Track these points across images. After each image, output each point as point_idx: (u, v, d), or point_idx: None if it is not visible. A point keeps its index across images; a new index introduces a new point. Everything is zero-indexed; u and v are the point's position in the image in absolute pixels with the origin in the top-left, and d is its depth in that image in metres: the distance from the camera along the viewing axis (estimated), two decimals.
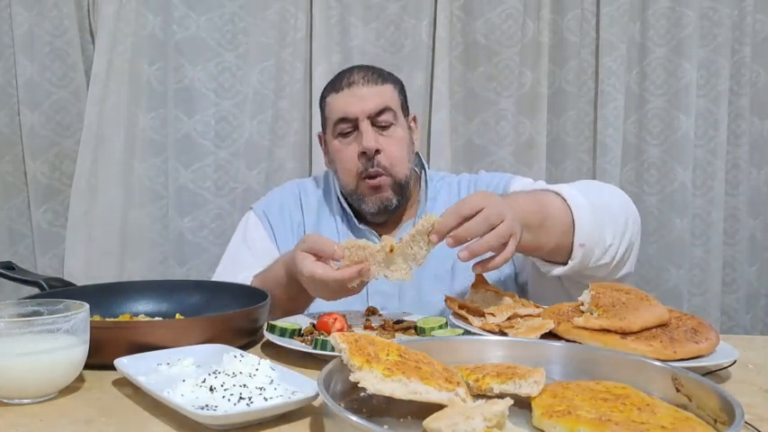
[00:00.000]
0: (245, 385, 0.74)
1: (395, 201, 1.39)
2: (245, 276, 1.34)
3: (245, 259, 1.46)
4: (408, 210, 1.47)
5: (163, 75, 2.00)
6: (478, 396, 0.74)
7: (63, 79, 1.97)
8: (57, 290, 1.11)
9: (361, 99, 1.37)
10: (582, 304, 1.03)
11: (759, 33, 2.21)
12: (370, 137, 1.35)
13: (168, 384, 0.75)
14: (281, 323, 1.04)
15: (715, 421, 0.67)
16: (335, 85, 1.42)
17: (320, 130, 1.51)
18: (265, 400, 0.72)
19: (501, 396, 0.69)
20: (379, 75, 1.42)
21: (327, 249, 1.04)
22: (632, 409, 0.67)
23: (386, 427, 0.66)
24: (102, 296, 1.10)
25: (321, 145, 1.52)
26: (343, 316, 1.08)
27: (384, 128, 1.38)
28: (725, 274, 2.25)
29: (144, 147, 2.02)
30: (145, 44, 1.99)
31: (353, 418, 0.59)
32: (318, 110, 2.02)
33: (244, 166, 2.04)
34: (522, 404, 0.72)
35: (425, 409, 0.65)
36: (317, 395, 0.72)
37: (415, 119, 1.51)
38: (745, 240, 2.27)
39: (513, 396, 0.69)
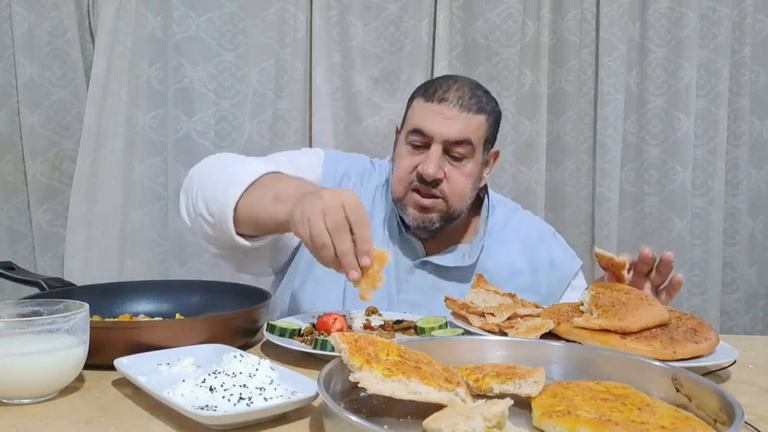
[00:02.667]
0: (244, 385, 0.74)
1: (438, 225, 1.31)
2: (265, 166, 1.18)
3: (281, 163, 1.30)
4: (462, 235, 1.40)
5: (163, 75, 2.00)
6: (478, 396, 0.74)
7: (63, 79, 1.97)
8: (56, 290, 1.11)
9: (444, 121, 1.26)
10: (582, 304, 1.03)
11: (759, 33, 2.22)
12: (434, 164, 1.25)
13: (168, 384, 0.75)
14: (281, 323, 1.04)
15: (715, 421, 0.67)
16: (429, 90, 1.31)
17: (398, 121, 1.42)
18: (265, 400, 0.72)
19: (501, 396, 0.69)
20: (477, 102, 1.29)
21: (361, 229, 0.95)
22: (632, 409, 0.67)
23: (386, 427, 0.66)
24: (102, 296, 1.10)
25: (396, 133, 1.41)
26: (343, 316, 1.08)
27: (456, 158, 1.28)
28: (725, 274, 2.25)
29: (144, 147, 2.02)
30: (145, 44, 1.99)
31: (353, 418, 0.59)
32: (318, 110, 2.05)
33: None
34: (522, 404, 0.72)
35: (425, 410, 0.65)
36: (316, 395, 0.72)
37: (497, 154, 1.40)
38: (744, 240, 2.27)
39: (513, 396, 0.69)
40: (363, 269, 0.96)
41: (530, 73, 2.10)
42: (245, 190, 1.11)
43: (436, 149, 1.27)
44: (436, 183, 1.28)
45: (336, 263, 0.97)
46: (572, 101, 2.14)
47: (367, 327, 1.09)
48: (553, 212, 2.17)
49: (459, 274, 1.34)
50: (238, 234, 1.14)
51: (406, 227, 1.35)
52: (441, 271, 1.35)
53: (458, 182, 1.29)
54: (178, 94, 2.00)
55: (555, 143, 2.17)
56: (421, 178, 1.27)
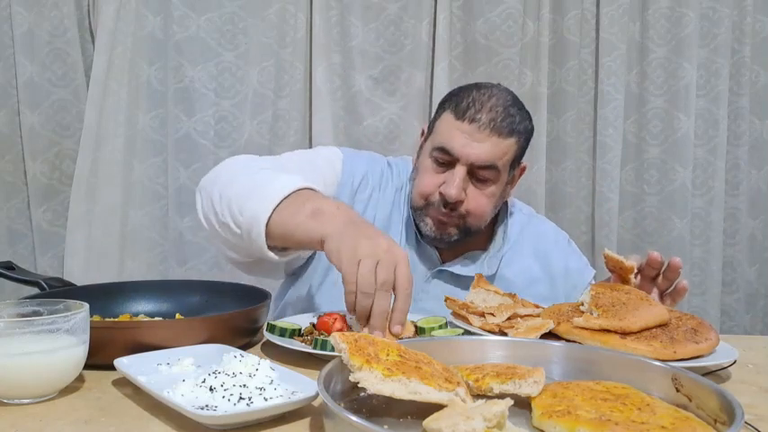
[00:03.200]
0: (244, 385, 0.74)
1: (455, 238, 1.30)
2: (290, 179, 1.11)
3: (299, 164, 1.29)
4: (478, 243, 1.37)
5: (163, 75, 2.00)
6: (478, 396, 0.74)
7: (63, 79, 1.97)
8: (57, 290, 1.11)
9: (472, 143, 1.23)
10: (582, 304, 1.03)
11: (759, 33, 2.22)
12: (456, 185, 1.23)
13: (168, 384, 0.75)
14: (281, 323, 1.04)
15: (715, 421, 0.67)
16: (460, 106, 1.25)
17: (425, 124, 1.39)
18: (265, 400, 0.72)
19: (501, 396, 0.69)
20: (509, 124, 1.24)
21: (402, 299, 0.94)
22: (632, 409, 0.67)
23: (386, 427, 0.66)
24: (102, 296, 1.10)
25: (420, 137, 1.38)
26: (344, 316, 1.08)
27: (479, 180, 1.26)
28: (725, 274, 2.25)
29: (144, 147, 2.02)
30: (145, 44, 1.99)
31: (353, 418, 0.59)
32: (318, 110, 2.05)
33: None
34: (522, 404, 0.72)
35: (425, 410, 0.65)
36: (316, 395, 0.72)
37: (523, 169, 1.38)
38: (745, 240, 2.27)
39: (513, 396, 0.69)
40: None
41: (530, 73, 2.10)
42: (279, 204, 1.06)
43: (461, 171, 1.24)
44: (457, 204, 1.25)
45: (365, 312, 0.93)
46: (572, 101, 2.14)
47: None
48: (553, 212, 2.17)
49: None
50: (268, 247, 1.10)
51: (422, 235, 1.33)
52: (458, 279, 1.34)
53: (478, 203, 1.27)
54: (178, 94, 2.00)
55: (555, 143, 2.17)
56: (443, 200, 1.25)
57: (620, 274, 1.15)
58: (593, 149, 2.16)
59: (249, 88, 2.02)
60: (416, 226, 1.34)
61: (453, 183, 1.23)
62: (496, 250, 1.37)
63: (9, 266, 1.20)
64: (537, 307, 1.10)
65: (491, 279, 1.34)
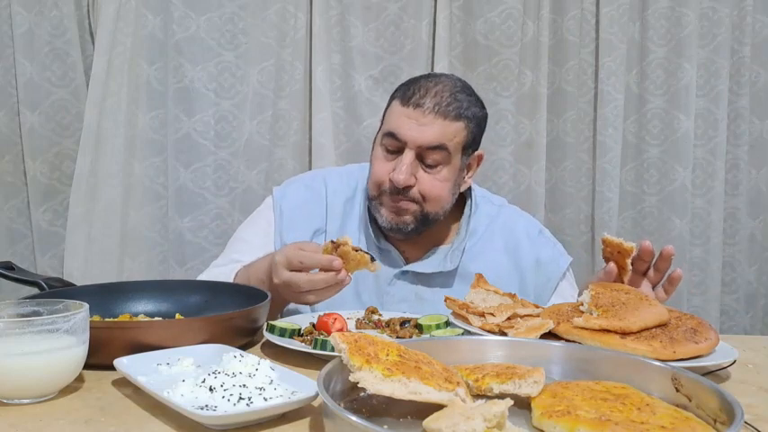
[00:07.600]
0: (244, 385, 0.74)
1: (412, 227, 1.29)
2: (231, 269, 1.30)
3: (239, 249, 1.38)
4: (443, 238, 1.37)
5: (163, 75, 2.00)
6: (478, 396, 0.74)
7: (63, 79, 1.97)
8: (56, 290, 1.11)
9: (418, 127, 1.23)
10: (582, 304, 1.03)
11: (759, 33, 2.22)
12: (404, 170, 1.23)
13: (168, 384, 0.75)
14: (281, 323, 1.04)
15: (715, 421, 0.67)
16: (407, 93, 1.26)
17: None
18: (265, 400, 0.72)
19: (501, 396, 0.69)
20: (456, 108, 1.24)
21: (309, 261, 1.06)
22: (632, 409, 0.67)
23: (386, 427, 0.66)
24: (102, 296, 1.10)
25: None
26: (343, 317, 1.08)
27: (429, 165, 1.26)
28: (725, 274, 2.26)
29: (144, 147, 2.02)
30: (145, 44, 1.99)
31: (353, 418, 0.59)
32: (318, 110, 2.05)
33: (243, 166, 2.04)
34: (522, 404, 0.72)
35: (425, 409, 0.65)
36: (316, 395, 0.72)
37: (480, 157, 1.37)
38: (744, 240, 2.27)
39: (513, 396, 0.69)
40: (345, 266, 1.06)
41: (530, 73, 2.10)
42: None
43: (408, 155, 1.24)
44: (407, 189, 1.26)
45: (325, 282, 1.07)
46: (572, 101, 2.14)
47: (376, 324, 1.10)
48: (553, 212, 2.17)
49: (441, 280, 1.31)
50: None
51: (383, 232, 1.34)
52: (422, 278, 1.33)
53: (430, 185, 1.27)
54: (178, 94, 2.00)
55: (555, 143, 2.17)
56: (393, 187, 1.26)
57: (617, 259, 1.13)
58: (593, 149, 2.16)
59: (249, 88, 2.02)
60: (374, 219, 1.33)
61: (401, 168, 1.24)
62: (459, 243, 1.34)
63: (9, 266, 1.20)
64: (537, 307, 1.10)
65: (453, 274, 1.33)
